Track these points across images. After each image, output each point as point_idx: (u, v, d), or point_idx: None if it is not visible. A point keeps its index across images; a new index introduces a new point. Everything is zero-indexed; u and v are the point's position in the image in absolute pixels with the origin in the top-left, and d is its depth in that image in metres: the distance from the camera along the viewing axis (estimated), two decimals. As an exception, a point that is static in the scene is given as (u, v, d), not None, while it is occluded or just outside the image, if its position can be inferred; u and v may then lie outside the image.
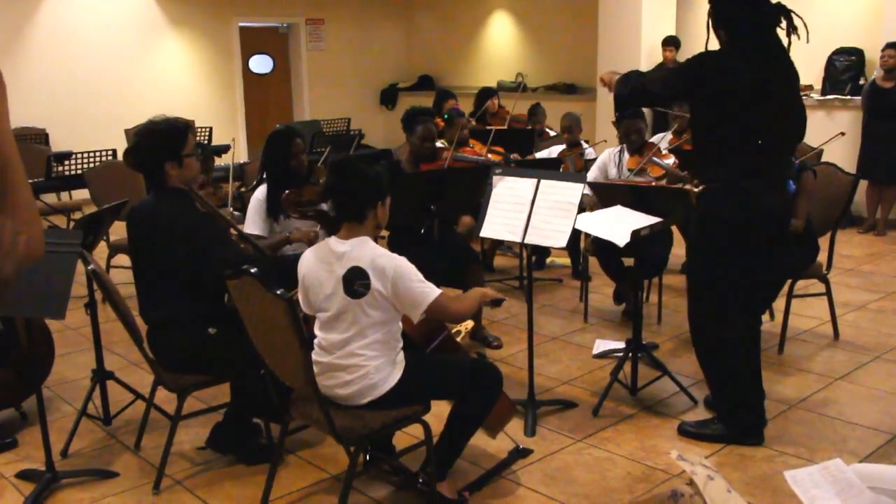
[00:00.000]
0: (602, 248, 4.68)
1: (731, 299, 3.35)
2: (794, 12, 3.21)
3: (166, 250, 3.11)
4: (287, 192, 4.00)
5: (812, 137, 4.58)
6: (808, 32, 3.21)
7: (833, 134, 5.27)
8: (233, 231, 3.75)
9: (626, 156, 5.23)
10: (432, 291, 2.71)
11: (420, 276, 2.72)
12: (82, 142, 8.47)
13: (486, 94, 7.72)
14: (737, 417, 3.46)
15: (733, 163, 3.24)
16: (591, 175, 5.24)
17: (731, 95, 3.15)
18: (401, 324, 2.83)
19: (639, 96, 3.48)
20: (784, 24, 3.19)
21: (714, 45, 3.30)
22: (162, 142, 3.16)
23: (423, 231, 4.21)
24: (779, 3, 3.20)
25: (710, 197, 3.34)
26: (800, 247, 4.41)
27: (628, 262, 4.70)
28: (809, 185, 4.38)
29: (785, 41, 3.21)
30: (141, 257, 3.28)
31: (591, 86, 9.72)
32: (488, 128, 6.61)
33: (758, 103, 3.15)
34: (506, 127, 6.92)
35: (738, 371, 3.42)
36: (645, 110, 6.77)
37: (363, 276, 2.67)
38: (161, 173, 3.16)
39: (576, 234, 4.05)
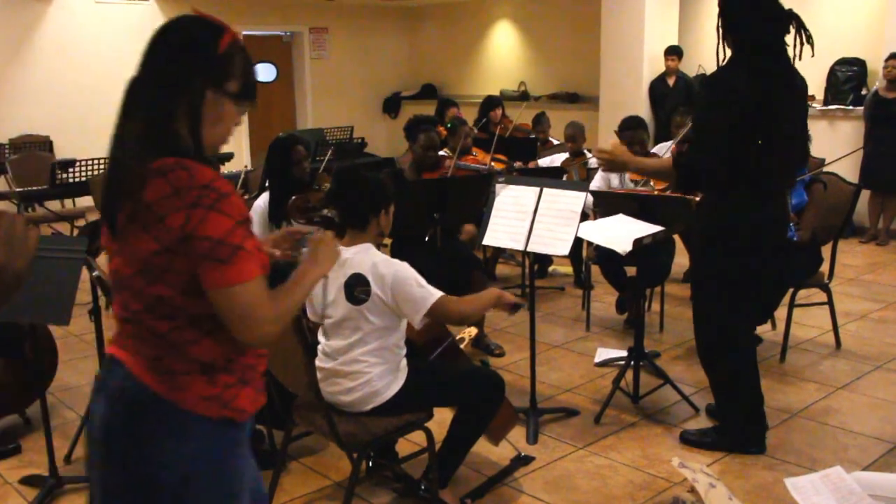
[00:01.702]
0: (604, 256, 4.69)
1: (736, 307, 3.35)
2: (804, 26, 3.18)
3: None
4: (294, 197, 4.03)
5: (814, 148, 4.59)
6: (813, 46, 3.19)
7: (835, 143, 5.27)
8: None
9: None
10: (432, 295, 2.70)
11: (421, 279, 2.72)
12: (86, 149, 8.46)
13: (489, 103, 7.71)
14: (739, 426, 3.46)
15: (734, 171, 3.24)
16: (596, 184, 5.23)
17: (736, 108, 3.15)
18: (404, 331, 2.85)
19: (714, 168, 3.21)
20: (793, 33, 3.17)
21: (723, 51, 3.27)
22: None
23: (426, 239, 4.22)
24: (791, 11, 3.19)
25: (710, 205, 3.35)
26: (802, 256, 4.42)
27: (631, 270, 4.71)
28: (818, 196, 4.39)
29: (790, 51, 3.20)
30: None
31: (594, 95, 9.74)
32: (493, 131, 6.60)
33: (760, 115, 3.15)
34: (507, 136, 6.92)
35: (742, 379, 3.42)
36: (646, 118, 6.81)
37: (364, 282, 2.68)
38: None
39: (578, 242, 4.07)
